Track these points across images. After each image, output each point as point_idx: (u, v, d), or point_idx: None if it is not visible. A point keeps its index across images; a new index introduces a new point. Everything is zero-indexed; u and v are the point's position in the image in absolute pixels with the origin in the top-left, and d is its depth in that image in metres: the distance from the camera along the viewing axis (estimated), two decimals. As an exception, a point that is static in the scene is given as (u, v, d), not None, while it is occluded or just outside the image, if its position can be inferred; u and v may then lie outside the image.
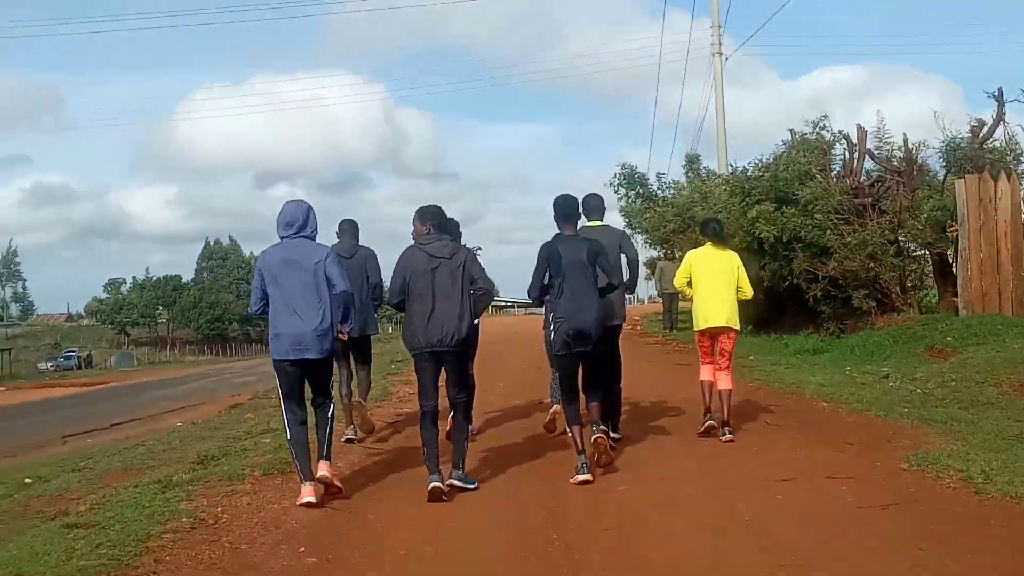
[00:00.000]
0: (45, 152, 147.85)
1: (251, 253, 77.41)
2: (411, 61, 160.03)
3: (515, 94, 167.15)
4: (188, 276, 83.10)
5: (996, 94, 12.76)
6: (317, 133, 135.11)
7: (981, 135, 13.00)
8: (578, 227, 6.39)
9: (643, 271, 16.62)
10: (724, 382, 7.07)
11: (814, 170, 13.54)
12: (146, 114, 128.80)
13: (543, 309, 6.35)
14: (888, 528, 4.57)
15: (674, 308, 19.02)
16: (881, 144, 13.99)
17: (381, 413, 8.62)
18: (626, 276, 6.86)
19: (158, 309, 78.52)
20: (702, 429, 7.05)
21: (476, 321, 5.90)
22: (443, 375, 5.77)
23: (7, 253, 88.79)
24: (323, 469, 5.59)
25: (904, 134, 13.53)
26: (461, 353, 5.74)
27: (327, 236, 6.87)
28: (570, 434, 5.96)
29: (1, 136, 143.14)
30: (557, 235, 6.27)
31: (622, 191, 22.47)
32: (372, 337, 7.58)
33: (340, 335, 5.76)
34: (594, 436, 5.96)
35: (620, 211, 22.40)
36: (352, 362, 7.42)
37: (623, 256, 6.89)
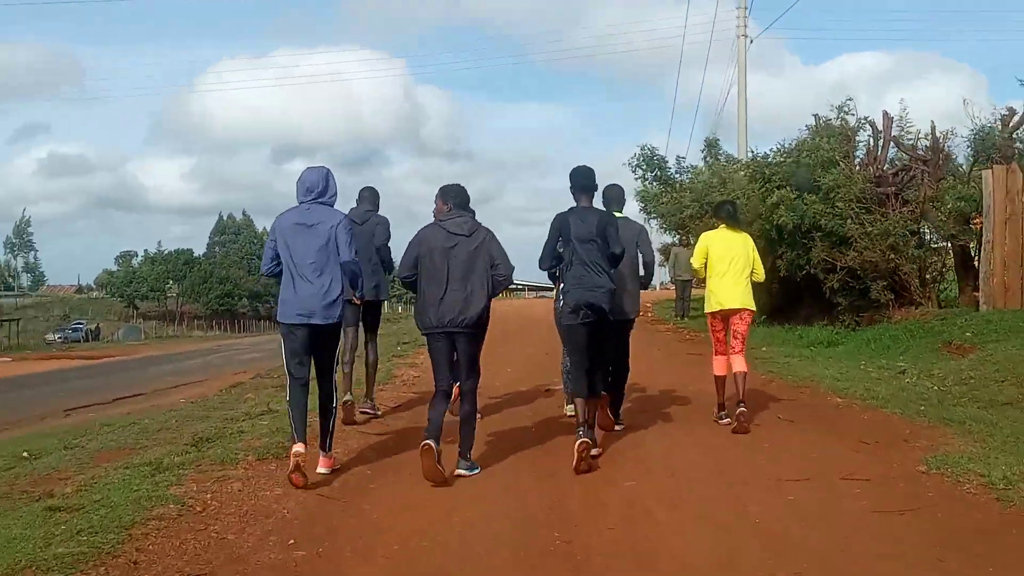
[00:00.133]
0: (63, 121, 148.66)
1: (264, 229, 77.29)
2: (432, 39, 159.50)
3: (537, 73, 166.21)
4: (200, 250, 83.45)
5: (1027, 82, 12.45)
6: (336, 108, 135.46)
7: (1012, 124, 12.64)
8: None
9: (657, 257, 16.29)
10: (739, 364, 6.98)
11: (837, 157, 13.21)
12: (166, 85, 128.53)
13: (553, 293, 6.21)
14: (905, 535, 4.38)
15: (687, 296, 18.81)
16: (903, 133, 13.66)
17: (384, 397, 8.44)
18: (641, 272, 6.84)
19: (168, 283, 78.70)
20: (717, 419, 7.07)
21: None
22: None
23: (20, 223, 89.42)
24: (322, 466, 5.50)
25: (932, 122, 13.21)
26: (474, 335, 5.56)
27: (347, 208, 6.83)
28: (574, 407, 5.87)
29: (21, 105, 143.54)
30: (572, 208, 6.11)
31: (639, 172, 22.14)
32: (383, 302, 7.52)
33: (353, 299, 5.76)
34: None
35: (636, 194, 22.09)
36: (361, 330, 7.36)
37: (639, 255, 6.80)
